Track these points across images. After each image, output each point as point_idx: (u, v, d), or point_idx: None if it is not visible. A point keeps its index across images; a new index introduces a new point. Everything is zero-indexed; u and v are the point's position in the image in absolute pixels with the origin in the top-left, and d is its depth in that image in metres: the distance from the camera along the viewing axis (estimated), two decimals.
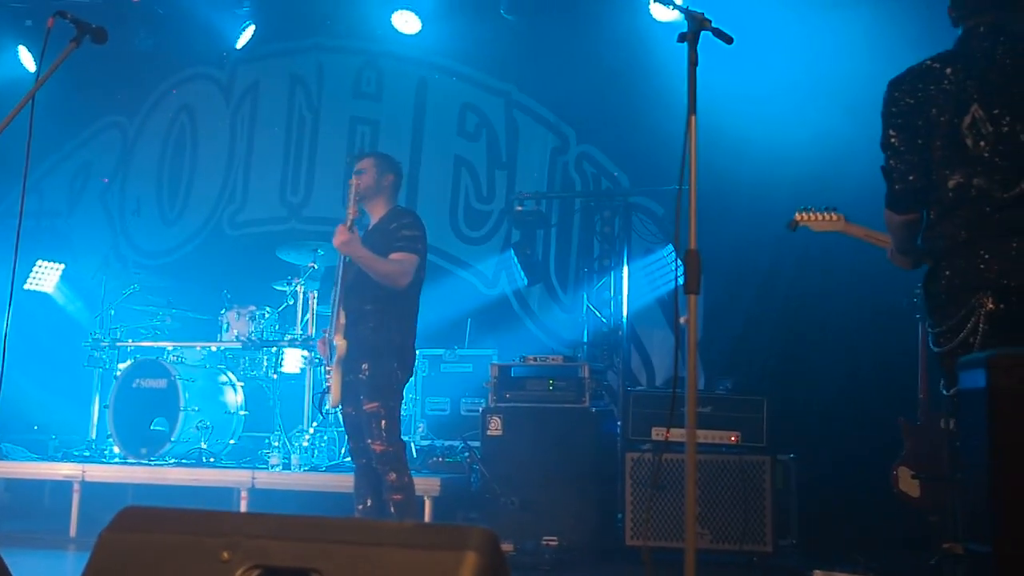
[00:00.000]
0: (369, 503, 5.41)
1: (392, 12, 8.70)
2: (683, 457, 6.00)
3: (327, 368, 5.49)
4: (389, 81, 9.43)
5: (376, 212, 5.61)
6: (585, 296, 8.18)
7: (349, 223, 5.22)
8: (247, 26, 9.30)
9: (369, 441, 5.26)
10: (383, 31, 8.92)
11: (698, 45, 3.21)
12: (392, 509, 5.21)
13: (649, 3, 7.79)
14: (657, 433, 6.44)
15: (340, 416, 5.62)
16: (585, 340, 8.05)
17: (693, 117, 3.09)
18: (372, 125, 9.39)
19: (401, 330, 5.43)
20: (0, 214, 9.88)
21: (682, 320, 3.04)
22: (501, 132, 8.99)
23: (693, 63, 3.12)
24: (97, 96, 9.93)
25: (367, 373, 5.29)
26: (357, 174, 5.52)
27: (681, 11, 3.21)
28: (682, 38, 3.17)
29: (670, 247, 7.95)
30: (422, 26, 8.71)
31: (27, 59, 9.62)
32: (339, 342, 5.28)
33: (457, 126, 9.12)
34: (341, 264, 5.45)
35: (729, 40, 3.17)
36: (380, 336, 5.34)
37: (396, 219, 5.50)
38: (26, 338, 8.64)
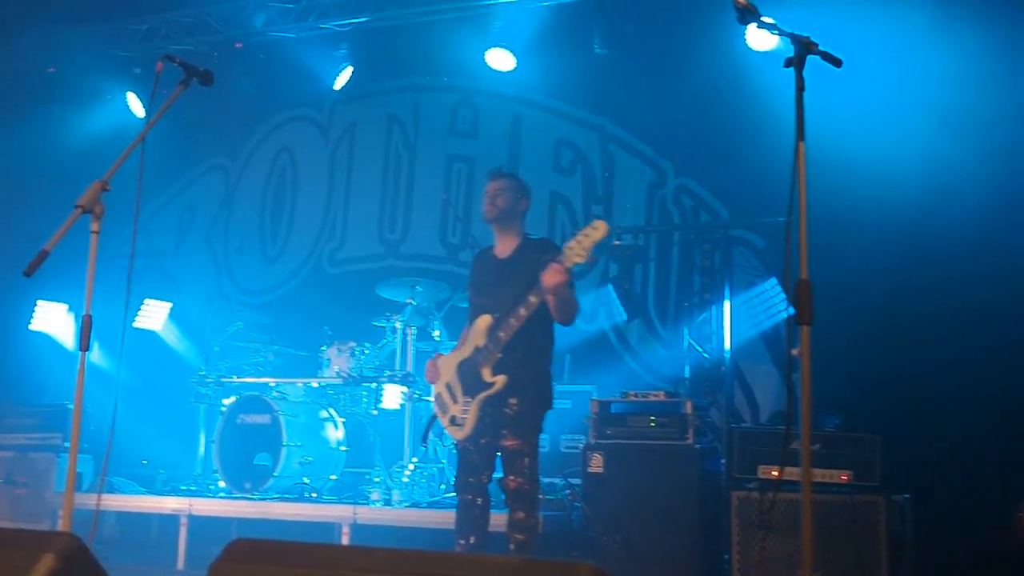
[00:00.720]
0: (472, 540, 5.29)
1: (486, 50, 8.76)
2: (792, 497, 5.83)
3: (441, 397, 5.39)
4: (484, 118, 9.49)
5: (510, 238, 5.45)
6: (686, 331, 8.05)
7: (571, 264, 4.87)
8: (344, 67, 9.48)
9: (511, 477, 5.15)
10: (477, 69, 8.97)
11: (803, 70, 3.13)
12: (512, 547, 5.12)
13: (745, 32, 7.70)
14: (763, 471, 6.26)
15: (458, 449, 5.40)
16: (686, 376, 7.92)
17: (802, 144, 3.01)
18: (468, 162, 9.45)
19: (546, 365, 5.36)
20: (110, 254, 10.14)
21: (794, 352, 2.95)
22: (597, 166, 8.96)
23: (800, 88, 3.06)
24: (201, 139, 10.20)
25: (515, 409, 5.17)
26: (497, 194, 5.40)
27: (786, 36, 3.15)
28: (788, 63, 3.11)
29: (773, 280, 7.78)
30: (516, 63, 8.75)
31: (136, 105, 9.94)
32: (497, 378, 5.12)
33: (552, 161, 9.12)
34: (472, 298, 5.40)
35: (838, 63, 3.10)
36: (528, 372, 5.23)
37: (546, 250, 5.23)
38: (135, 375, 8.88)
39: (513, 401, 5.17)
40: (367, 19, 9.03)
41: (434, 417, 5.65)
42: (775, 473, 6.16)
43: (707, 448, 6.75)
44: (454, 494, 5.52)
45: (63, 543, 2.74)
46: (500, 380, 5.13)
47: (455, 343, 5.72)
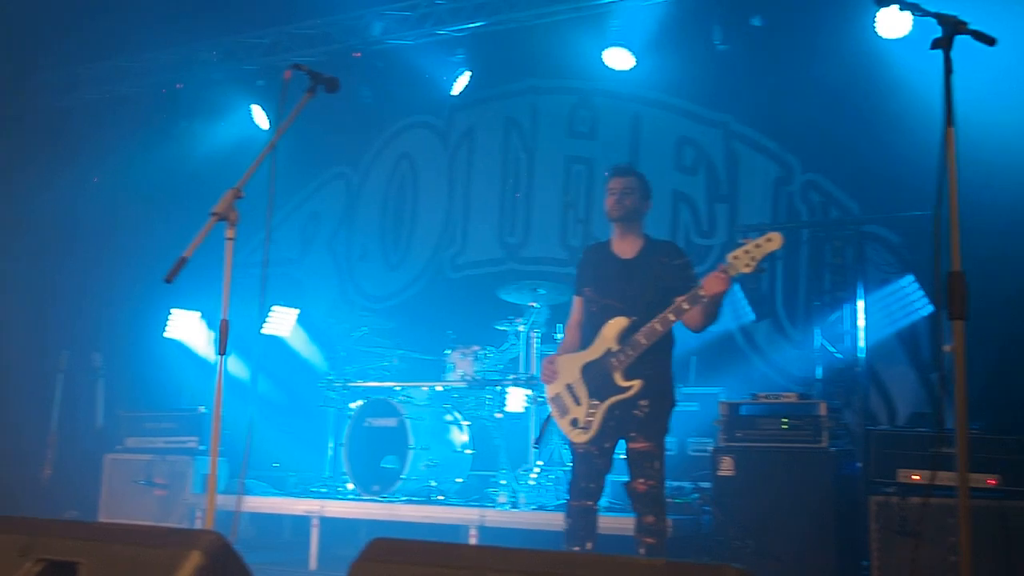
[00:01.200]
0: (589, 546, 5.21)
1: (603, 50, 8.67)
2: (937, 502, 5.61)
3: (560, 398, 5.29)
4: (603, 118, 9.42)
5: (632, 237, 5.36)
6: (817, 331, 7.82)
7: (736, 273, 4.85)
8: (462, 73, 9.50)
9: (640, 480, 5.06)
10: (595, 69, 8.89)
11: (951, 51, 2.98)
12: (641, 551, 5.03)
13: (875, 19, 7.47)
14: (903, 475, 6.04)
15: (579, 453, 5.25)
16: (818, 377, 7.69)
17: (951, 129, 2.88)
18: (587, 163, 9.38)
19: (672, 368, 5.30)
20: (239, 262, 10.35)
21: (947, 348, 2.80)
22: (720, 164, 8.80)
23: (948, 71, 2.91)
24: (323, 149, 10.35)
25: (646, 411, 5.09)
26: (626, 193, 5.33)
27: (932, 16, 3.01)
28: (936, 45, 2.97)
29: (910, 277, 7.51)
30: (635, 62, 8.65)
31: (260, 117, 10.15)
32: (633, 383, 5.03)
33: (674, 160, 9.00)
34: (592, 297, 5.32)
35: (991, 41, 2.94)
36: (658, 374, 5.18)
37: (674, 254, 5.27)
38: (265, 380, 9.07)
39: (644, 403, 5.07)
40: (483, 24, 9.06)
41: (549, 418, 5.51)
42: (916, 477, 5.95)
43: (842, 451, 6.56)
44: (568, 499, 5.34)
45: (209, 540, 2.78)
46: (636, 385, 5.03)
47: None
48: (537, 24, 8.90)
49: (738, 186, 8.71)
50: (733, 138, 8.77)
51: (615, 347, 5.10)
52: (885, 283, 7.75)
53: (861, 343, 7.55)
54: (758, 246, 4.75)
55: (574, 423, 5.21)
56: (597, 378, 5.15)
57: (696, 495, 6.91)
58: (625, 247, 5.35)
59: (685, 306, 4.91)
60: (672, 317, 4.95)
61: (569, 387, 5.27)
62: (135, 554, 2.79)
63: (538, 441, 5.67)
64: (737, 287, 8.05)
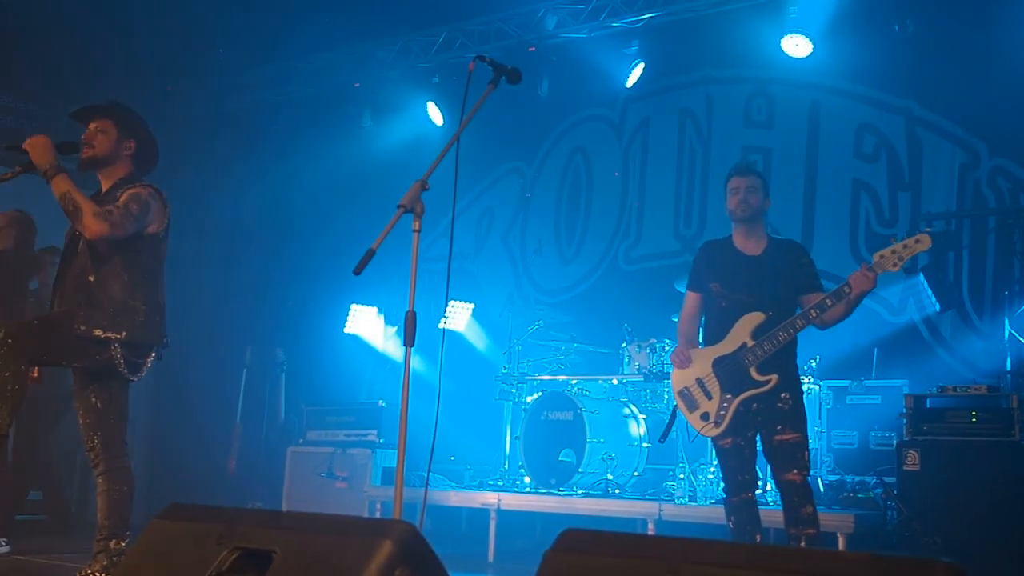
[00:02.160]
0: (758, 539, 5.20)
1: (782, 37, 8.50)
2: None
3: (689, 391, 5.27)
4: (780, 107, 9.25)
5: (756, 235, 5.35)
6: (1006, 321, 7.51)
7: (882, 271, 4.86)
8: (636, 64, 9.47)
9: (794, 472, 5.04)
10: (772, 57, 8.74)
11: None
12: (803, 544, 4.98)
13: None
14: None
15: (728, 447, 5.22)
16: (1008, 369, 7.39)
17: None
18: (764, 153, 9.23)
19: (797, 360, 5.31)
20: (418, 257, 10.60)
21: None
22: (902, 151, 8.53)
23: None
24: (497, 144, 10.44)
25: (789, 403, 5.11)
26: (751, 191, 5.30)
27: None
28: None
29: None
30: (812, 48, 8.45)
31: (435, 114, 10.33)
32: (771, 377, 5.05)
33: (854, 148, 8.77)
34: (721, 292, 5.30)
35: None
36: (794, 365, 5.24)
37: (802, 253, 5.34)
38: (442, 374, 9.22)
39: (786, 395, 5.10)
40: (657, 14, 9.01)
41: (675, 412, 5.52)
42: None
43: None
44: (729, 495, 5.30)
45: (400, 530, 2.83)
46: (774, 379, 5.05)
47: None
48: (711, 13, 8.80)
49: (921, 173, 8.42)
50: (916, 124, 8.48)
51: (750, 342, 5.11)
52: None
53: None
54: (906, 247, 4.80)
55: (704, 416, 5.21)
56: (731, 372, 5.15)
57: (880, 490, 6.73)
58: (750, 245, 5.36)
59: (829, 303, 4.94)
60: (814, 314, 4.99)
61: (700, 381, 5.26)
62: (328, 543, 2.86)
63: (663, 438, 5.63)
64: (921, 277, 7.82)
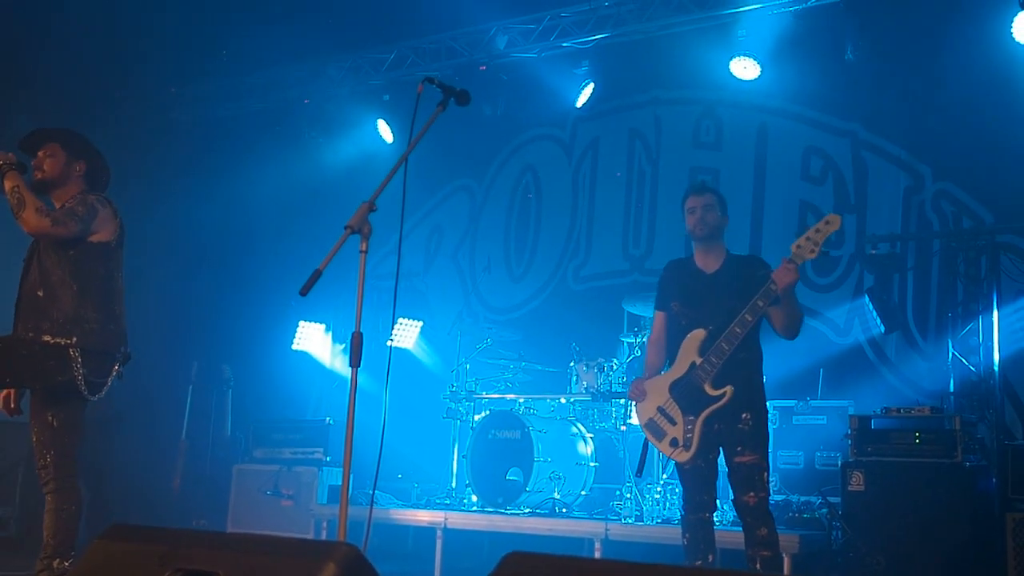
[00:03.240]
0: (711, 558, 5.17)
1: (730, 59, 8.60)
2: None
3: (654, 421, 5.26)
4: (728, 129, 9.34)
5: (715, 253, 5.37)
6: (949, 343, 7.62)
7: (801, 261, 4.86)
8: (586, 84, 9.51)
9: (751, 493, 5.03)
10: (721, 79, 8.83)
11: None
12: (758, 566, 4.99)
13: (1011, 25, 7.26)
14: None
15: (688, 467, 5.21)
16: (951, 390, 7.49)
17: None
18: (712, 174, 9.29)
19: (762, 381, 5.29)
20: (365, 275, 10.54)
21: None
22: (848, 174, 8.64)
23: None
24: (447, 162, 10.45)
25: (749, 423, 5.09)
26: (707, 209, 5.33)
27: None
28: None
29: None
30: (760, 71, 8.55)
31: (385, 131, 10.32)
32: (725, 389, 5.01)
33: (801, 170, 8.87)
34: (679, 311, 5.33)
35: None
36: (755, 384, 5.20)
37: (758, 266, 5.28)
38: (390, 392, 9.16)
39: (746, 416, 5.09)
40: (607, 35, 9.07)
41: (647, 445, 5.49)
42: None
43: (976, 466, 6.39)
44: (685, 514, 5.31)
45: (343, 552, 2.81)
46: (728, 391, 5.02)
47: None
48: (662, 35, 8.89)
49: (867, 196, 8.54)
50: (862, 147, 8.60)
51: (698, 360, 5.12)
52: (1021, 294, 7.52)
53: (996, 355, 7.33)
54: (818, 231, 4.83)
55: (673, 443, 5.20)
56: (687, 393, 5.16)
57: (825, 510, 6.78)
58: (708, 262, 5.39)
59: (760, 303, 4.93)
60: (749, 317, 4.97)
61: (661, 409, 5.26)
62: (272, 565, 2.83)
63: (639, 471, 5.63)
64: (866, 298, 7.91)
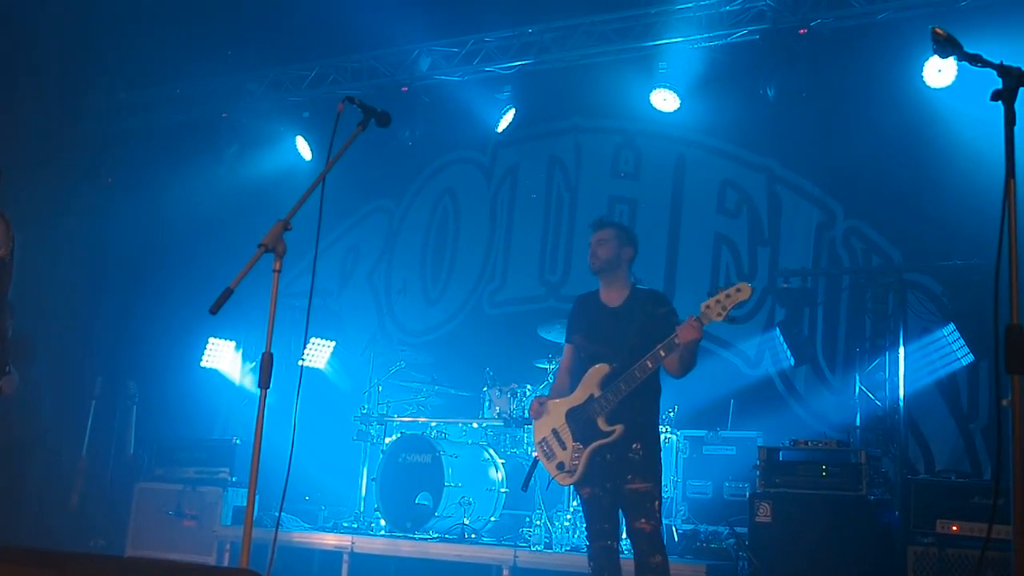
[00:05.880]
0: None
1: (650, 91, 8.69)
2: (972, 553, 5.54)
3: (547, 442, 5.31)
4: (647, 159, 9.43)
5: (617, 287, 5.40)
6: (857, 377, 7.77)
7: (708, 322, 4.90)
8: (508, 110, 9.53)
9: (643, 521, 5.05)
10: (641, 110, 8.93)
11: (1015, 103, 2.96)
12: None
13: (922, 69, 7.46)
14: (942, 526, 5.98)
15: (586, 497, 5.27)
16: (857, 424, 7.63)
17: (1012, 181, 2.85)
18: (630, 204, 9.38)
19: (658, 412, 5.37)
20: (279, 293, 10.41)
21: (1004, 402, 2.77)
22: (763, 208, 8.78)
23: (1011, 123, 2.89)
24: (365, 182, 10.40)
25: (640, 452, 5.13)
26: (600, 244, 5.39)
27: (994, 68, 2.99)
28: (997, 96, 2.94)
29: (951, 326, 7.41)
30: (680, 103, 8.66)
31: (304, 148, 10.23)
32: (615, 427, 5.07)
33: (717, 203, 8.98)
34: (582, 344, 5.37)
35: None
36: (647, 417, 5.25)
37: (659, 303, 5.32)
38: (300, 412, 9.02)
39: (637, 446, 5.13)
40: (531, 61, 9.14)
41: (536, 462, 5.55)
42: (955, 528, 5.90)
43: (880, 500, 6.50)
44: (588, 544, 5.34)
45: None
46: (618, 430, 5.08)
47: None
48: (584, 64, 8.98)
49: (780, 230, 8.68)
50: (776, 182, 8.74)
51: (597, 393, 5.17)
52: (926, 331, 7.67)
53: (901, 391, 7.50)
54: (728, 296, 4.89)
55: (560, 467, 5.27)
56: (581, 423, 5.21)
57: (732, 540, 6.83)
58: (611, 296, 5.43)
59: (662, 353, 5.00)
60: (650, 364, 5.03)
61: (555, 431, 5.31)
62: None
63: (525, 486, 5.66)
64: (777, 331, 8.03)
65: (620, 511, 5.26)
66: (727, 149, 9.00)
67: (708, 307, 4.90)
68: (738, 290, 4.88)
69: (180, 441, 9.12)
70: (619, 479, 5.14)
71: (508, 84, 9.40)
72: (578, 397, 5.26)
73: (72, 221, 10.26)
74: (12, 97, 10.01)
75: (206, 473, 8.73)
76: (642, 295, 5.41)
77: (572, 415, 5.26)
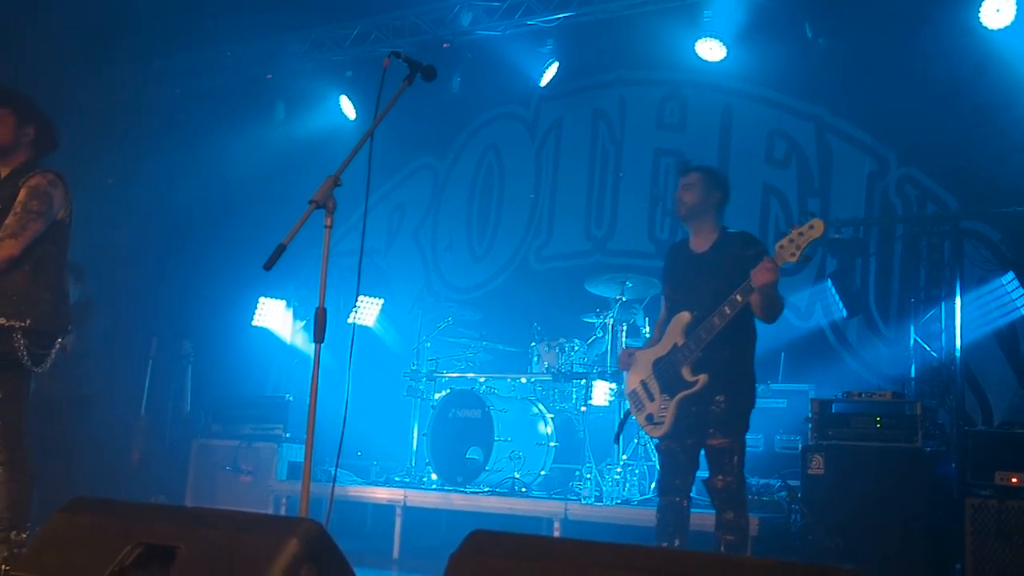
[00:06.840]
0: (677, 543, 5.16)
1: (695, 40, 8.58)
2: None
3: (636, 393, 5.29)
4: (693, 110, 9.30)
5: (706, 232, 5.27)
6: (911, 328, 7.64)
7: (783, 263, 4.75)
8: (551, 64, 9.46)
9: (720, 477, 5.01)
10: (686, 60, 8.81)
11: None
12: (722, 548, 4.98)
13: (979, 9, 7.27)
14: (1001, 477, 5.89)
15: (662, 449, 5.26)
16: (912, 376, 7.52)
17: None
18: (676, 155, 9.25)
19: (750, 362, 5.23)
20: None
21: None
22: (812, 157, 8.64)
23: None
24: (410, 139, 10.35)
25: (722, 406, 5.04)
26: (686, 190, 5.26)
27: None
28: None
29: (1010, 275, 7.27)
30: (726, 52, 8.53)
31: (348, 107, 10.22)
32: (699, 377, 4.99)
33: (765, 153, 8.85)
34: (668, 294, 5.31)
35: None
36: (733, 369, 5.11)
37: (748, 245, 5.14)
38: (351, 369, 9.09)
39: (720, 399, 5.03)
40: (573, 14, 9.02)
41: (628, 414, 5.53)
42: (1015, 480, 5.81)
43: (936, 451, 6.40)
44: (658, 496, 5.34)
45: (306, 528, 2.79)
46: (702, 379, 5.00)
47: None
48: (627, 14, 8.86)
49: (831, 180, 8.53)
50: (826, 131, 8.60)
51: (681, 342, 5.10)
52: (983, 281, 7.52)
53: (957, 342, 7.35)
54: (801, 234, 4.73)
55: (649, 418, 5.23)
56: (667, 373, 5.15)
57: (784, 493, 6.79)
58: (699, 242, 5.32)
59: (739, 298, 4.88)
60: (728, 310, 4.92)
61: (643, 383, 5.28)
62: (233, 540, 2.81)
63: (617, 437, 5.63)
64: (829, 282, 7.93)
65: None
66: (775, 98, 8.85)
67: (782, 247, 4.75)
68: (811, 227, 4.73)
69: (235, 399, 9.24)
70: (701, 434, 5.08)
71: (550, 37, 9.33)
72: (664, 346, 5.20)
73: (126, 187, 10.36)
74: (69, 70, 10.10)
75: (261, 429, 8.84)
76: (730, 238, 5.26)
77: (658, 365, 5.21)
